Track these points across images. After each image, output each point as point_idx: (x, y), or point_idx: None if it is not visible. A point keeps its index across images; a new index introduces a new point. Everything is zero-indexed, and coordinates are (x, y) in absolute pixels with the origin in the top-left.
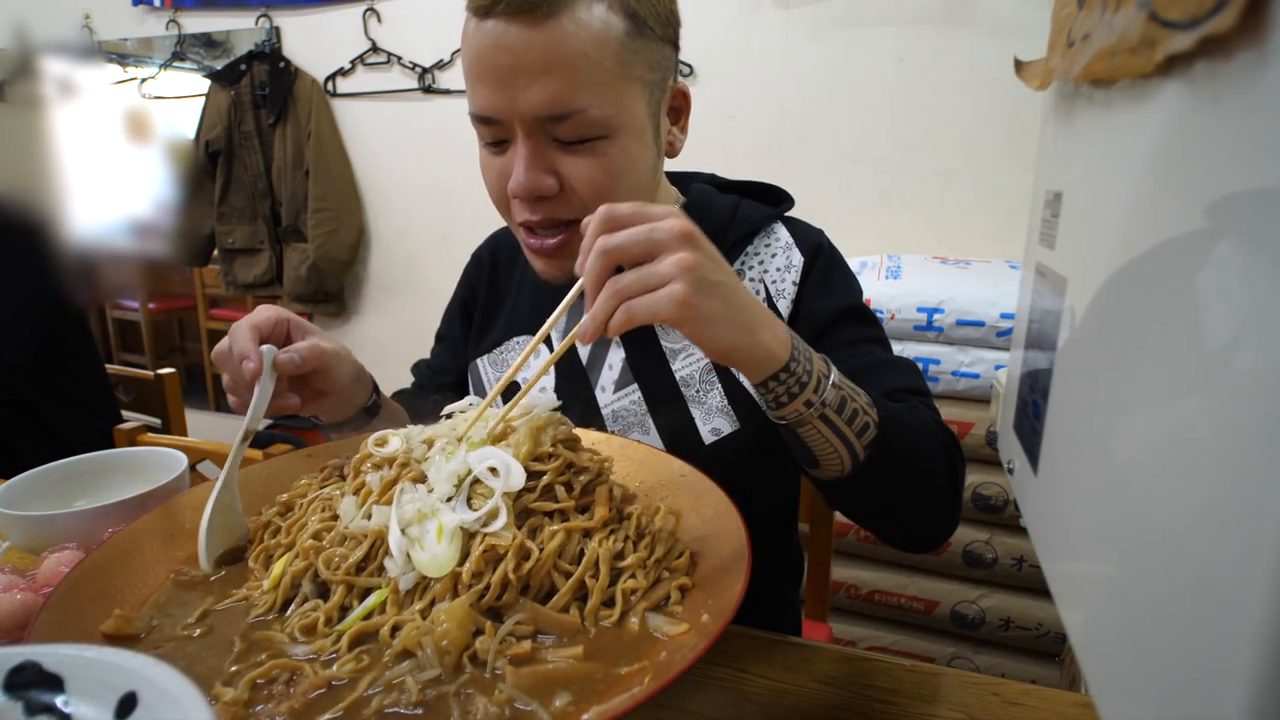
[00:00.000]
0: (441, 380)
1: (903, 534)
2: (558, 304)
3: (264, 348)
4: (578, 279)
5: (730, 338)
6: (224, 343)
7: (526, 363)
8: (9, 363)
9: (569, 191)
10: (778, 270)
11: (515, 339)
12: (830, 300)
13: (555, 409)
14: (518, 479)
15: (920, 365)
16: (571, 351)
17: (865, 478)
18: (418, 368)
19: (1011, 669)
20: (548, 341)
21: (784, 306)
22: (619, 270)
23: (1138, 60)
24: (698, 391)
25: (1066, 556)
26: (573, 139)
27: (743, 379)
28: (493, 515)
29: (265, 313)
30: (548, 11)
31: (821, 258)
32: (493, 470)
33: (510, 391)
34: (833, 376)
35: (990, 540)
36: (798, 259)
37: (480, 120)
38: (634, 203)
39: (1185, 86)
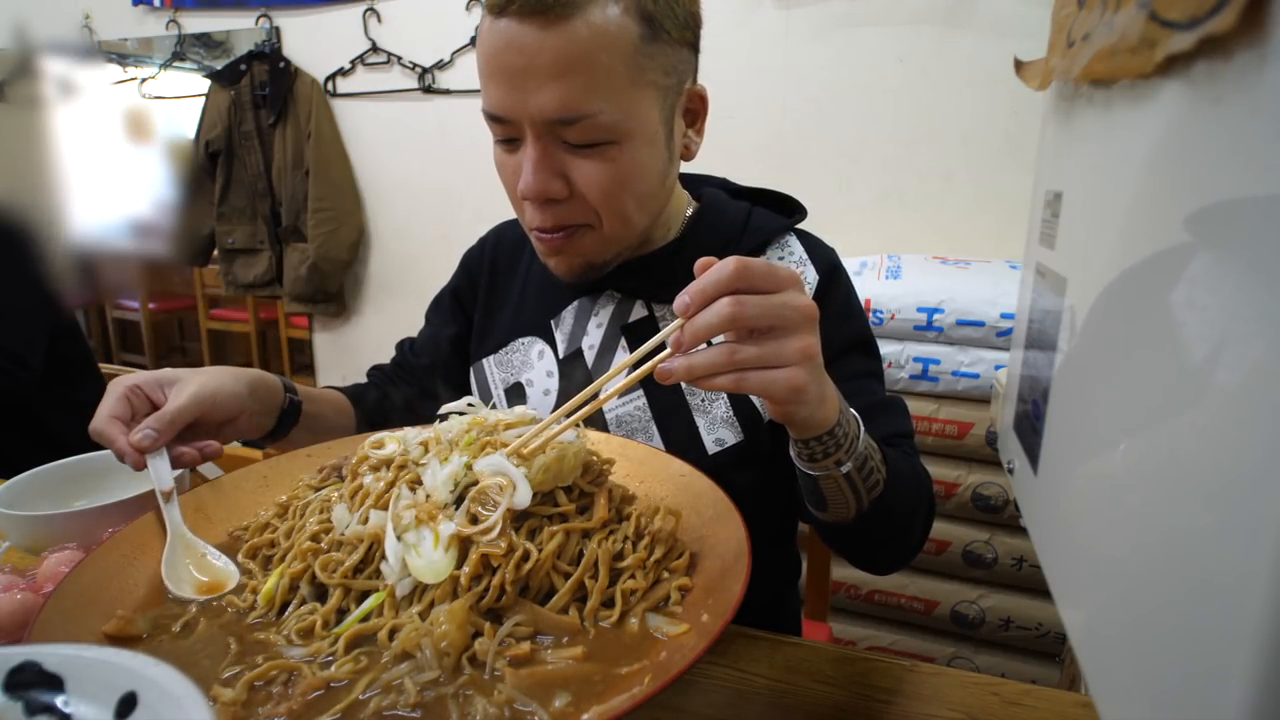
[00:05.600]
0: (416, 361)
1: (871, 563)
2: (562, 303)
3: (135, 436)
4: (588, 276)
5: (810, 412)
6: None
7: (531, 362)
8: (18, 356)
9: (578, 196)
10: None
11: (521, 339)
12: (844, 330)
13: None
14: (524, 497)
15: (920, 365)
16: (578, 355)
17: (861, 524)
18: (401, 346)
19: (1011, 669)
20: (553, 347)
21: None
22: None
23: (1138, 60)
24: (703, 400)
25: (1066, 556)
26: (582, 143)
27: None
28: (489, 528)
29: (115, 396)
30: (561, 14)
31: (838, 281)
32: (499, 486)
33: (514, 391)
34: (862, 436)
35: (990, 540)
36: (812, 276)
37: (491, 118)
38: (764, 261)
39: (1185, 86)
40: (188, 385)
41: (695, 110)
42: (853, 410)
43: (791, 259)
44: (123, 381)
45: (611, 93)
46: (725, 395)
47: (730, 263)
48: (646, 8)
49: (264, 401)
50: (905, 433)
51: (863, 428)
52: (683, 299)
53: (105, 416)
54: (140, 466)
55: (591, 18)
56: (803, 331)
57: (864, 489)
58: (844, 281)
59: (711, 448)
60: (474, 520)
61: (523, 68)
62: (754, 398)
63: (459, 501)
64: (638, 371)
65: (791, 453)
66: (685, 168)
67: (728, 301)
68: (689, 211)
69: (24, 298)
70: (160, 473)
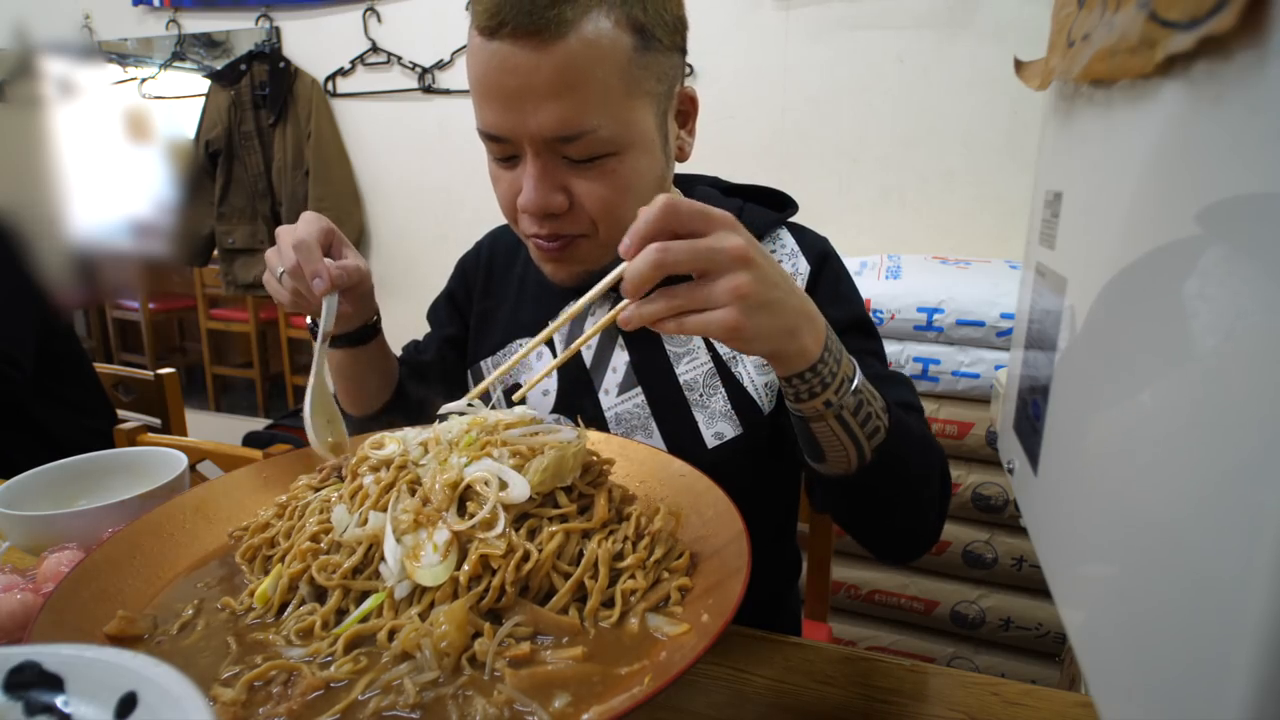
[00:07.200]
0: (418, 357)
1: (887, 541)
2: (559, 304)
3: (336, 271)
4: (585, 281)
5: (771, 346)
6: (277, 256)
7: (530, 364)
8: (10, 356)
9: (578, 208)
10: None
11: (518, 341)
12: (836, 312)
13: (553, 412)
14: (520, 492)
15: (920, 365)
16: (576, 354)
17: (867, 477)
18: (407, 348)
19: (1011, 669)
20: (550, 345)
21: None
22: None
23: (1138, 60)
24: (701, 395)
25: (1066, 556)
26: (582, 158)
27: (746, 381)
28: (488, 525)
29: (319, 224)
30: (555, 33)
31: (828, 268)
32: (499, 482)
33: (513, 391)
34: (856, 380)
35: (990, 540)
36: (804, 267)
37: (489, 138)
38: (696, 203)
39: (1185, 86)
40: (354, 256)
41: (686, 111)
42: (850, 356)
43: (783, 251)
44: (316, 218)
45: (609, 107)
46: (723, 389)
47: (658, 201)
48: (637, 18)
49: (370, 304)
50: (909, 404)
51: (859, 372)
52: (624, 242)
53: (314, 240)
54: (319, 290)
55: (585, 34)
56: (732, 272)
57: (861, 435)
58: (833, 268)
59: (711, 442)
60: (472, 518)
61: (519, 88)
62: (750, 389)
63: (459, 504)
64: (606, 318)
65: (786, 399)
66: (683, 167)
67: (654, 249)
68: (732, 215)
69: (14, 298)
70: (330, 311)
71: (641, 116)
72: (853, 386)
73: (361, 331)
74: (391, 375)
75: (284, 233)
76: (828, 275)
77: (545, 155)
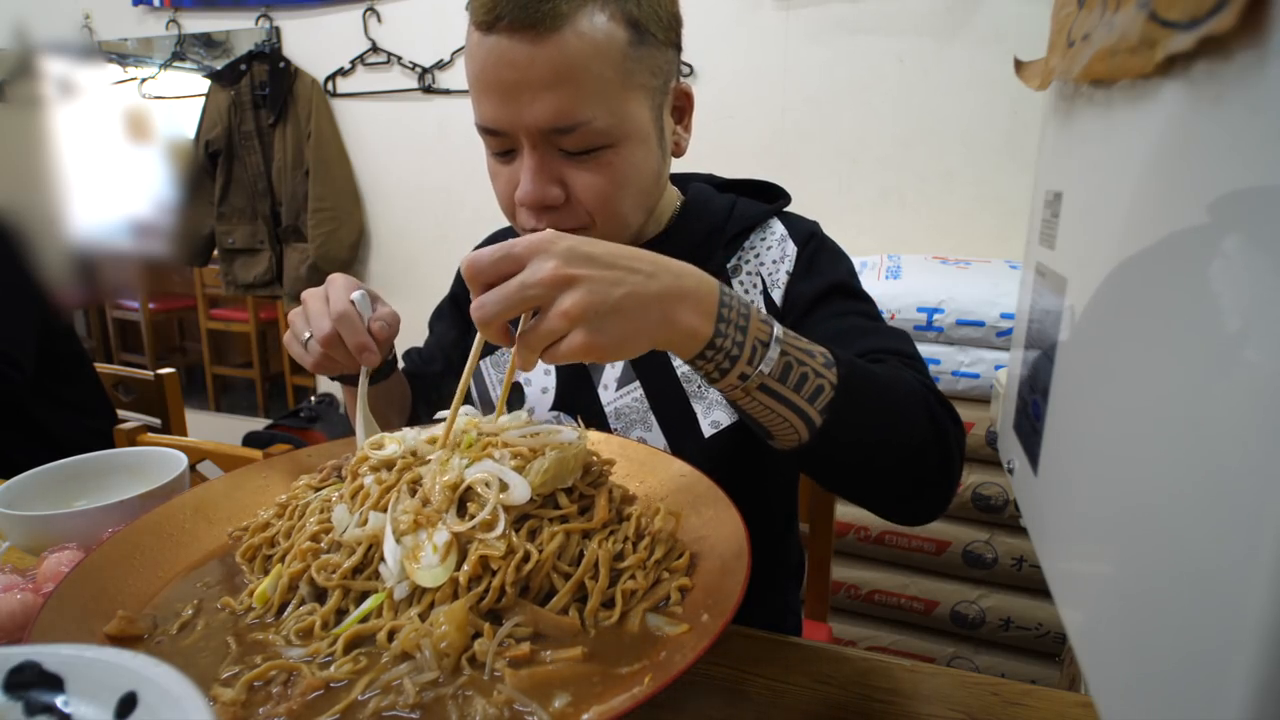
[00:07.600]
0: (428, 369)
1: (891, 502)
2: None
3: (377, 325)
4: None
5: (645, 342)
6: (304, 322)
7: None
8: (10, 357)
9: (574, 201)
10: (773, 262)
11: None
12: (815, 279)
13: (553, 410)
14: (520, 494)
15: None
16: None
17: (829, 442)
18: (409, 355)
19: (1011, 669)
20: None
21: (778, 296)
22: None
23: (1138, 60)
24: (699, 386)
25: (1066, 556)
26: (578, 149)
27: None
28: (488, 526)
29: (351, 288)
30: (550, 26)
31: (810, 245)
32: (500, 484)
33: (512, 390)
34: (773, 343)
35: (990, 540)
36: (792, 249)
37: (487, 132)
38: (493, 249)
39: (1185, 86)
40: (381, 301)
41: (682, 107)
42: (766, 319)
43: (773, 238)
44: (347, 281)
45: (604, 99)
46: None
47: (463, 265)
48: (632, 13)
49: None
50: (897, 351)
51: (777, 331)
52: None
53: (354, 311)
54: (372, 363)
55: (580, 27)
56: (556, 298)
57: (800, 400)
58: (815, 245)
59: (708, 430)
60: (472, 519)
61: (516, 82)
62: None
63: (459, 504)
64: (509, 366)
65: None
66: (682, 164)
67: (474, 311)
68: (677, 204)
69: (14, 298)
70: (367, 372)
71: (637, 110)
72: (770, 350)
73: (382, 369)
74: (407, 400)
75: (314, 298)
76: (808, 252)
77: (542, 148)
